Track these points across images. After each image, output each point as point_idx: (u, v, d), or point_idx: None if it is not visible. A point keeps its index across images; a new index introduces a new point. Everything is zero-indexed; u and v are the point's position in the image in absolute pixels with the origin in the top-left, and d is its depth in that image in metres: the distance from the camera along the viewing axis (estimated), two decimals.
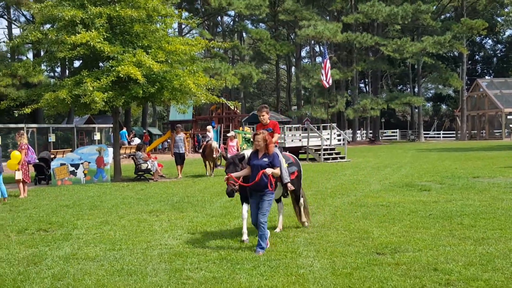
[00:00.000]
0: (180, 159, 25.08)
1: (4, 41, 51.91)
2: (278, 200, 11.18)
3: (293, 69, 79.60)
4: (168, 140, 49.21)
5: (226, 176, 9.75)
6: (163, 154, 45.17)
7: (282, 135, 34.63)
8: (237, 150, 25.63)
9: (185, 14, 28.75)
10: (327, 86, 42.59)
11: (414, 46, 61.94)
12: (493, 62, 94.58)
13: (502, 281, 7.41)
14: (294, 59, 75.68)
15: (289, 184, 10.41)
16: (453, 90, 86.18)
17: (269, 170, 9.10)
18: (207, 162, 25.77)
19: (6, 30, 58.82)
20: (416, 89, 77.36)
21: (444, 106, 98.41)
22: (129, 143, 45.49)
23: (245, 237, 10.19)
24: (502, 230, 10.63)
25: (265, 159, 9.27)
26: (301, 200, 11.44)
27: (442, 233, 10.49)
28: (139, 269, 8.43)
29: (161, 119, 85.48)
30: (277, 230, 11.09)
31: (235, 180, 9.61)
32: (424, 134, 75.95)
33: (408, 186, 18.36)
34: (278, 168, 9.43)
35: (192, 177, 24.76)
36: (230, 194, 9.64)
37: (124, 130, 47.70)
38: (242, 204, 10.33)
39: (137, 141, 43.17)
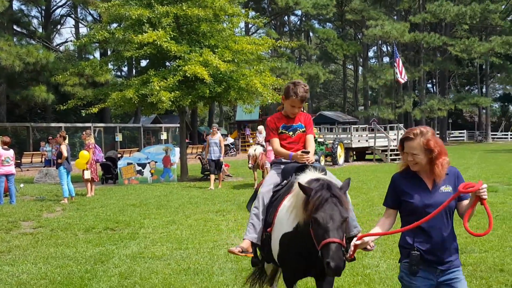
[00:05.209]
0: (214, 166, 20.54)
1: (71, 40, 53.18)
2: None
3: (360, 69, 78.90)
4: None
5: (355, 243, 4.27)
6: (228, 154, 45.27)
7: (349, 135, 34.24)
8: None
9: (252, 13, 28.59)
10: (403, 82, 42.70)
11: (482, 46, 60.64)
12: None
13: None
14: (361, 59, 75.00)
15: (355, 243, 4.31)
16: None
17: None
18: (255, 172, 20.96)
19: (74, 29, 59.96)
20: (484, 90, 76.16)
21: None
22: None
23: None
24: None
25: (446, 189, 4.36)
26: None
27: (509, 234, 10.32)
28: (205, 268, 8.36)
29: (227, 119, 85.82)
30: None
31: (371, 239, 4.39)
32: (492, 135, 75.00)
33: None
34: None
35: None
36: (338, 271, 4.15)
37: None
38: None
39: (229, 140, 43.27)
